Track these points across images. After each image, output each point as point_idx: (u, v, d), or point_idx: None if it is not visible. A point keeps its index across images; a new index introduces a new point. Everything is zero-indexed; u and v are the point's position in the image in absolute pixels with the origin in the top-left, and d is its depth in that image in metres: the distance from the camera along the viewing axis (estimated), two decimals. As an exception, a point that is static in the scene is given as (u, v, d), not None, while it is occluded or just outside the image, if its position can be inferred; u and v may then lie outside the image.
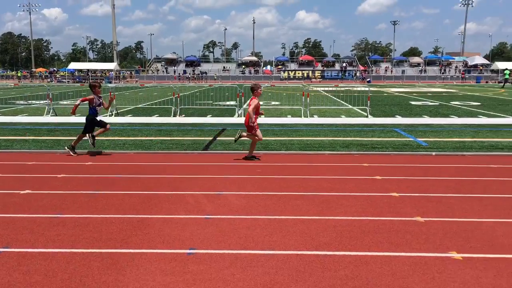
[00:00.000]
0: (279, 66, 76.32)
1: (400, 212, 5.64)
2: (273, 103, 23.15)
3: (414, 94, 32.24)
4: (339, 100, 24.39)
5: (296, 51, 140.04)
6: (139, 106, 20.92)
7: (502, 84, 46.60)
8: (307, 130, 13.05)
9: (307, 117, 16.20)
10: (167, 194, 6.40)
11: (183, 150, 9.86)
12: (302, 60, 79.58)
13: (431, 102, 24.21)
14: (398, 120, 15.80)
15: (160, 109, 19.41)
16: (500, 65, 68.44)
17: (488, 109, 19.98)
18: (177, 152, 9.74)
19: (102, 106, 9.61)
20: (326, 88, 37.31)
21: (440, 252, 4.38)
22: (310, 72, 71.53)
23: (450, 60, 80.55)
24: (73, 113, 9.44)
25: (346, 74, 70.09)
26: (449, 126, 13.93)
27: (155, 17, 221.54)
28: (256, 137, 8.74)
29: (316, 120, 15.61)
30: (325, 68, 74.29)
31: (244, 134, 8.77)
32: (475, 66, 74.94)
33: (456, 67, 75.64)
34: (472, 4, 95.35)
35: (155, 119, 15.85)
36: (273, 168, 8.17)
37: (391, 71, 73.82)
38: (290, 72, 72.07)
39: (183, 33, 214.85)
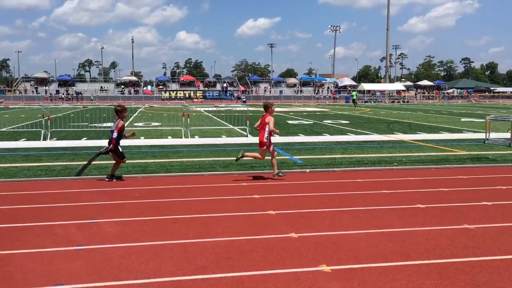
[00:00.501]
0: (160, 86, 75.44)
1: (276, 229, 5.82)
2: (153, 124, 22.72)
3: (291, 113, 33.89)
4: (220, 120, 24.73)
5: (177, 71, 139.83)
6: (3, 130, 19.15)
7: (353, 104, 51.07)
8: (187, 151, 12.99)
9: (188, 137, 16.14)
10: (33, 226, 5.88)
11: (53, 177, 9.19)
12: (183, 80, 79.61)
13: (306, 121, 25.62)
14: (276, 138, 16.37)
15: (28, 132, 17.95)
16: (366, 86, 74.99)
17: (355, 127, 21.67)
18: (46, 179, 9.05)
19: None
20: (208, 108, 37.65)
21: (312, 266, 4.58)
22: (192, 92, 71.74)
23: (322, 81, 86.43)
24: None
25: (228, 94, 71.50)
26: (322, 144, 14.82)
27: (24, 34, 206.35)
28: (268, 153, 9.12)
29: (197, 140, 15.62)
30: (206, 88, 75.03)
31: (248, 154, 9.10)
32: (344, 87, 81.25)
33: (328, 87, 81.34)
34: (339, 30, 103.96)
35: (21, 144, 14.61)
36: (152, 191, 7.95)
37: (270, 91, 76.95)
38: (171, 92, 71.54)
39: (56, 51, 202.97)
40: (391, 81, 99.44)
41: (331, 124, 23.11)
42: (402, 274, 4.36)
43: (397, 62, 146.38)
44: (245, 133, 17.28)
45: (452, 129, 20.21)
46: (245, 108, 21.79)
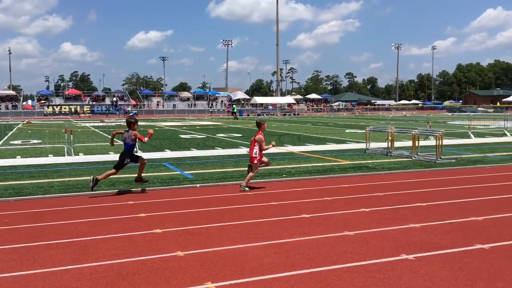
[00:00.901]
0: (42, 101, 70.56)
1: (162, 249, 5.60)
2: (32, 141, 21.09)
3: (184, 127, 33.59)
4: (108, 136, 23.68)
5: (62, 84, 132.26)
6: None
7: (233, 117, 52.32)
8: (70, 170, 12.19)
9: (72, 155, 15.19)
10: None
11: None
12: (68, 95, 75.30)
13: (199, 135, 25.52)
14: (167, 154, 16.10)
15: None
16: (258, 99, 76.93)
17: (247, 140, 21.98)
18: None
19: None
20: (96, 124, 35.93)
21: (196, 284, 4.45)
22: (78, 107, 68.09)
23: (216, 95, 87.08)
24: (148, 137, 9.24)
25: (116, 109, 68.98)
26: (214, 158, 14.79)
27: None
28: (264, 164, 9.74)
29: (81, 158, 14.74)
30: (95, 103, 71.77)
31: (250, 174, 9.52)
32: (238, 100, 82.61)
33: (222, 101, 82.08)
34: (231, 44, 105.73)
35: None
36: (25, 215, 7.28)
37: (163, 105, 75.74)
38: (55, 107, 67.24)
39: None
40: (283, 94, 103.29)
41: (224, 138, 23.25)
42: (285, 286, 4.40)
43: (287, 76, 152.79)
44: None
45: (338, 140, 21.37)
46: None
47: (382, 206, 7.74)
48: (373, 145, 17.13)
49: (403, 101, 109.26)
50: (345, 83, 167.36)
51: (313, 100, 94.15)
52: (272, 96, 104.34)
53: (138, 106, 72.74)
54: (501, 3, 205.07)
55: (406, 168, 12.17)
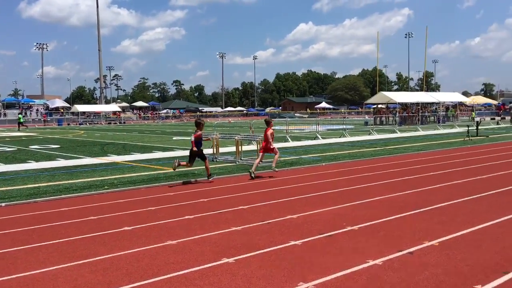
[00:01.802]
0: None
1: (-50, 283, 4.73)
2: None
3: (-9, 139, 29.74)
4: None
5: None
6: None
7: (17, 127, 46.81)
8: None
9: None
10: None
11: None
12: None
13: (9, 147, 22.84)
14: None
15: None
16: (80, 108, 72.14)
17: (67, 151, 20.40)
18: None
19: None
20: None
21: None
22: None
23: (30, 103, 79.42)
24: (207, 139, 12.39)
25: None
26: (25, 172, 13.31)
27: None
28: (275, 154, 12.14)
29: None
30: None
31: (257, 161, 12.07)
32: (57, 108, 76.59)
33: (38, 109, 75.10)
34: (47, 48, 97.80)
35: None
36: None
37: (-35, 116, 66.26)
38: None
39: None
40: (108, 102, 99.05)
41: (38, 150, 21.16)
42: (100, 307, 4.06)
43: (112, 84, 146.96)
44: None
45: (165, 148, 21.15)
46: None
47: (206, 212, 7.79)
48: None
49: (229, 108, 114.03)
50: (172, 90, 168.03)
51: (140, 108, 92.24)
52: (96, 104, 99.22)
53: None
54: (312, 19, 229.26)
55: (230, 173, 12.55)
